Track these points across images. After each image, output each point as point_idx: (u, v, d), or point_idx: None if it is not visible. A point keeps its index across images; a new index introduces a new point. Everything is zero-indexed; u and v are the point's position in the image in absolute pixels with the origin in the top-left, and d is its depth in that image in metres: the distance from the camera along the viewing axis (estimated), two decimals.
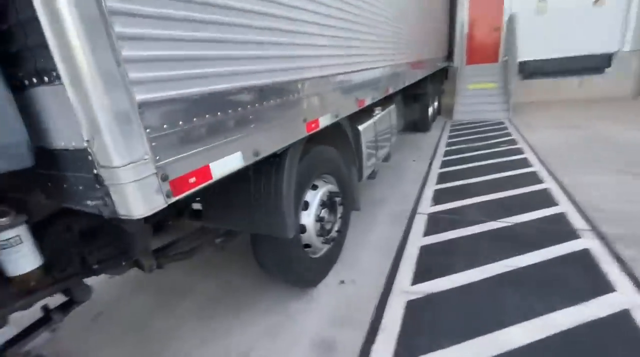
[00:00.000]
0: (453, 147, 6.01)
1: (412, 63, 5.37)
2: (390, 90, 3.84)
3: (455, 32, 10.53)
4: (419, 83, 6.41)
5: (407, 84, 5.01)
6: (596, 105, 8.76)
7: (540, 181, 4.00)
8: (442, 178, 4.54)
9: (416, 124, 7.25)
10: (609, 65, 9.80)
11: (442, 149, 6.03)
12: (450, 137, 6.85)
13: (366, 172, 3.22)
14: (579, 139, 5.67)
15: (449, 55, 10.85)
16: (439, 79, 9.10)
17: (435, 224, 3.28)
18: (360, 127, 3.03)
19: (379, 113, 3.64)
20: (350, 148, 2.88)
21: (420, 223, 3.33)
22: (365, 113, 3.35)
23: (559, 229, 2.94)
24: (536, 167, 4.50)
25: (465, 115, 8.58)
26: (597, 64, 9.89)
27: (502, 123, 7.65)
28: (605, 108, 8.19)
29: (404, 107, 6.28)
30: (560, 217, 3.13)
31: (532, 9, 10.04)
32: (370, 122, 3.29)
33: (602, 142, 5.32)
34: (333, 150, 2.56)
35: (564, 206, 3.33)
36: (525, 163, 4.74)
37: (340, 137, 2.75)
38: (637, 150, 4.69)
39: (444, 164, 5.18)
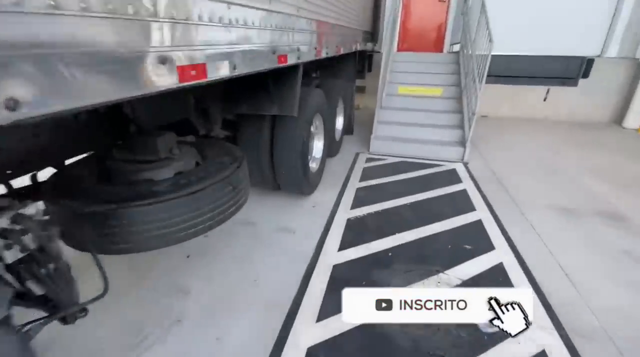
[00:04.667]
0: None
1: None
2: None
3: None
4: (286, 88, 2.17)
5: None
6: (577, 134, 5.64)
7: None
8: None
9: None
10: (586, 75, 6.80)
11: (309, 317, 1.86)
12: (350, 226, 2.75)
13: None
14: None
15: (373, 35, 6.79)
16: (350, 73, 4.94)
17: None
18: None
19: None
20: None
21: None
22: None
23: None
24: None
25: (390, 146, 4.64)
26: (570, 71, 6.83)
27: (455, 177, 3.86)
28: (602, 144, 5.02)
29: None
30: None
31: None
32: None
33: None
34: None
35: None
36: None
37: None
38: None
39: None
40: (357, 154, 4.59)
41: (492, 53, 4.02)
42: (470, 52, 4.87)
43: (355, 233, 2.67)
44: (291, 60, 2.01)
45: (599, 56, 6.64)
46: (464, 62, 5.26)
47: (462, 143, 4.43)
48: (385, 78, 4.88)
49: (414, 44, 7.48)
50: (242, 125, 2.79)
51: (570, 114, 6.98)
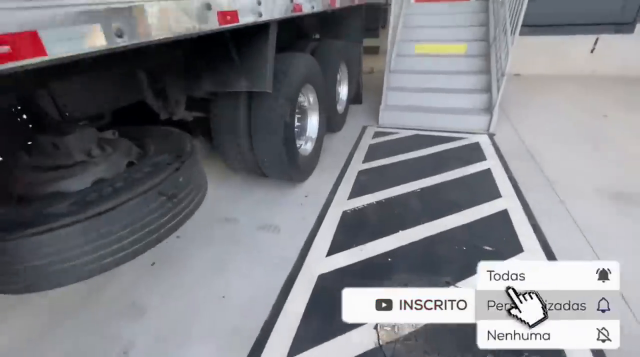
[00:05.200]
0: None
1: None
2: None
3: None
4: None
5: None
6: (632, 93, 4.68)
7: None
8: None
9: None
10: None
11: None
12: (345, 222, 2.32)
13: None
14: None
15: None
16: (355, 31, 4.23)
17: None
18: None
19: None
20: None
21: None
22: None
23: None
24: None
25: (402, 118, 4.04)
26: (626, 14, 5.67)
27: (478, 153, 3.27)
28: None
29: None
30: None
31: None
32: None
33: None
34: None
35: None
36: None
37: None
38: None
39: None
40: (364, 128, 4.04)
41: None
42: None
43: (349, 231, 2.24)
44: (245, 19, 1.48)
45: None
46: (494, 9, 4.38)
47: (489, 110, 3.75)
48: (395, 36, 4.15)
49: None
50: (214, 105, 2.33)
51: (623, 67, 5.88)
